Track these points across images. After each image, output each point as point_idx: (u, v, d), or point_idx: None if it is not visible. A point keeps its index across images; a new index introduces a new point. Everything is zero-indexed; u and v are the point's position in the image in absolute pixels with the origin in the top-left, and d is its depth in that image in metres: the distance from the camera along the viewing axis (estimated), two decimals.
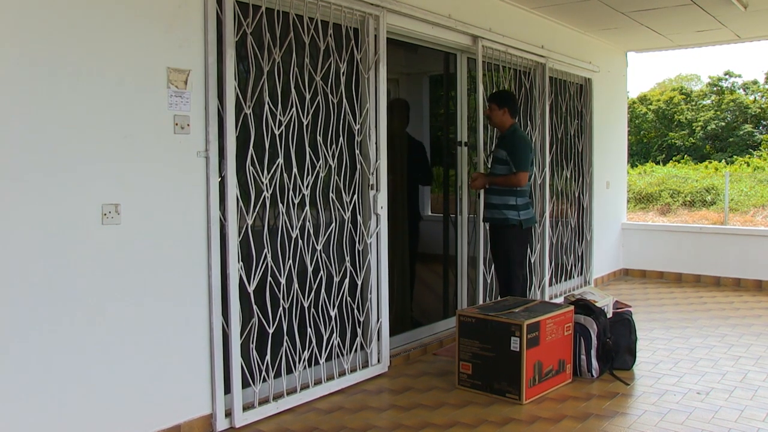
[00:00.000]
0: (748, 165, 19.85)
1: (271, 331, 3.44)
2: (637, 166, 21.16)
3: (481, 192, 4.83)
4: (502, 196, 4.48)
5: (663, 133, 24.87)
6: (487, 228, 4.80)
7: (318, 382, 3.74)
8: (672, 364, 4.34)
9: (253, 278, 3.36)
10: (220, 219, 3.20)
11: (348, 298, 3.94)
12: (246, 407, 3.35)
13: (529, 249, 5.33)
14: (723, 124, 23.81)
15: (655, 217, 15.51)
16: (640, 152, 24.36)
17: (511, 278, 4.54)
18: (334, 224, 3.84)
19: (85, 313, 2.72)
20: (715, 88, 25.51)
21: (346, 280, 3.92)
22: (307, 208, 3.64)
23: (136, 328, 2.90)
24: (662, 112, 25.19)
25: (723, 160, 21.26)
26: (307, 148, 3.63)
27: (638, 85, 42.16)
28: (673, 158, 23.06)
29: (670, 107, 25.12)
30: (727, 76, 25.54)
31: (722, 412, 3.51)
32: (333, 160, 3.79)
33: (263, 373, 3.44)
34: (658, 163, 22.36)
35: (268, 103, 3.40)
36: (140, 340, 2.92)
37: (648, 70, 38.53)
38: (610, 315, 4.29)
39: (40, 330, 2.60)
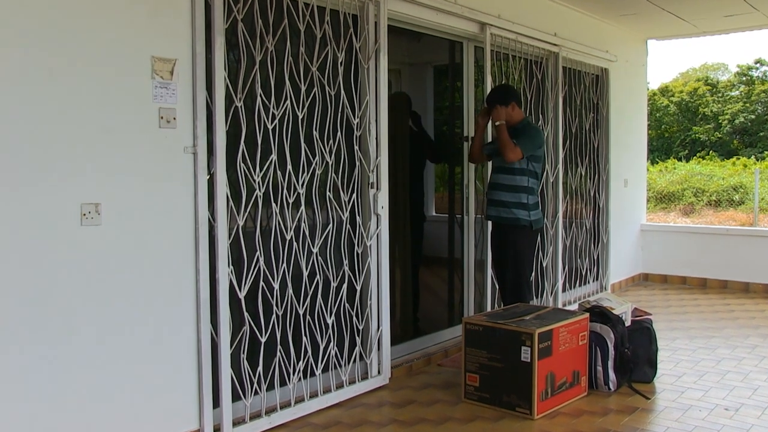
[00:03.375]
0: None
1: (263, 340, 3.46)
2: (657, 162, 21.14)
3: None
4: (513, 194, 4.45)
5: (686, 127, 24.88)
6: (490, 228, 4.77)
7: (314, 395, 3.75)
8: (697, 377, 4.35)
9: (245, 283, 3.38)
10: (209, 219, 3.22)
11: (346, 305, 3.96)
12: (236, 422, 3.36)
13: (540, 252, 5.32)
14: (753, 117, 23.79)
15: (677, 217, 15.53)
16: (661, 148, 24.36)
17: (521, 284, 4.53)
18: (331, 225, 3.85)
19: (62, 321, 2.74)
20: (744, 78, 25.48)
21: (344, 286, 3.93)
22: (303, 208, 3.66)
23: (118, 336, 2.92)
24: (685, 105, 25.19)
25: (752, 156, 21.26)
26: (303, 144, 3.65)
27: (659, 75, 42.27)
28: (698, 154, 23.06)
29: (694, 99, 25.12)
30: (757, 65, 25.50)
31: (754, 430, 3.52)
32: (330, 157, 3.81)
33: (255, 385, 3.45)
34: (680, 159, 22.35)
35: (260, 95, 3.42)
36: (122, 349, 2.93)
37: (670, 59, 38.45)
38: (628, 323, 4.31)
39: (12, 340, 2.60)
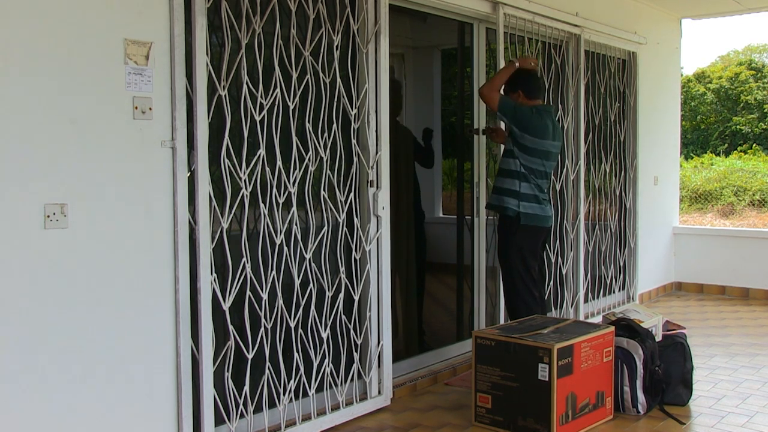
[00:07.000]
0: None
1: (250, 356, 3.47)
2: (692, 157, 21.12)
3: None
4: (503, 178, 4.43)
5: (726, 118, 24.83)
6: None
7: (306, 418, 3.77)
8: (739, 399, 4.34)
9: (229, 293, 3.39)
10: (190, 222, 3.24)
11: (343, 317, 3.97)
12: None
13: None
14: None
15: (714, 219, 15.51)
16: (697, 141, 24.33)
17: (511, 290, 4.46)
18: (326, 228, 3.87)
19: (20, 336, 2.74)
20: None
21: (341, 296, 3.95)
22: (294, 208, 3.67)
23: (85, 353, 2.92)
24: (725, 92, 25.15)
25: None
26: (294, 137, 3.67)
27: (695, 59, 42.07)
28: (739, 148, 23.00)
29: (736, 86, 25.07)
30: None
31: None
32: (325, 152, 3.82)
33: (241, 407, 3.46)
34: (718, 154, 22.31)
35: (246, 83, 3.44)
36: (90, 367, 2.94)
37: (708, 41, 38.44)
38: (659, 338, 4.31)
39: None
